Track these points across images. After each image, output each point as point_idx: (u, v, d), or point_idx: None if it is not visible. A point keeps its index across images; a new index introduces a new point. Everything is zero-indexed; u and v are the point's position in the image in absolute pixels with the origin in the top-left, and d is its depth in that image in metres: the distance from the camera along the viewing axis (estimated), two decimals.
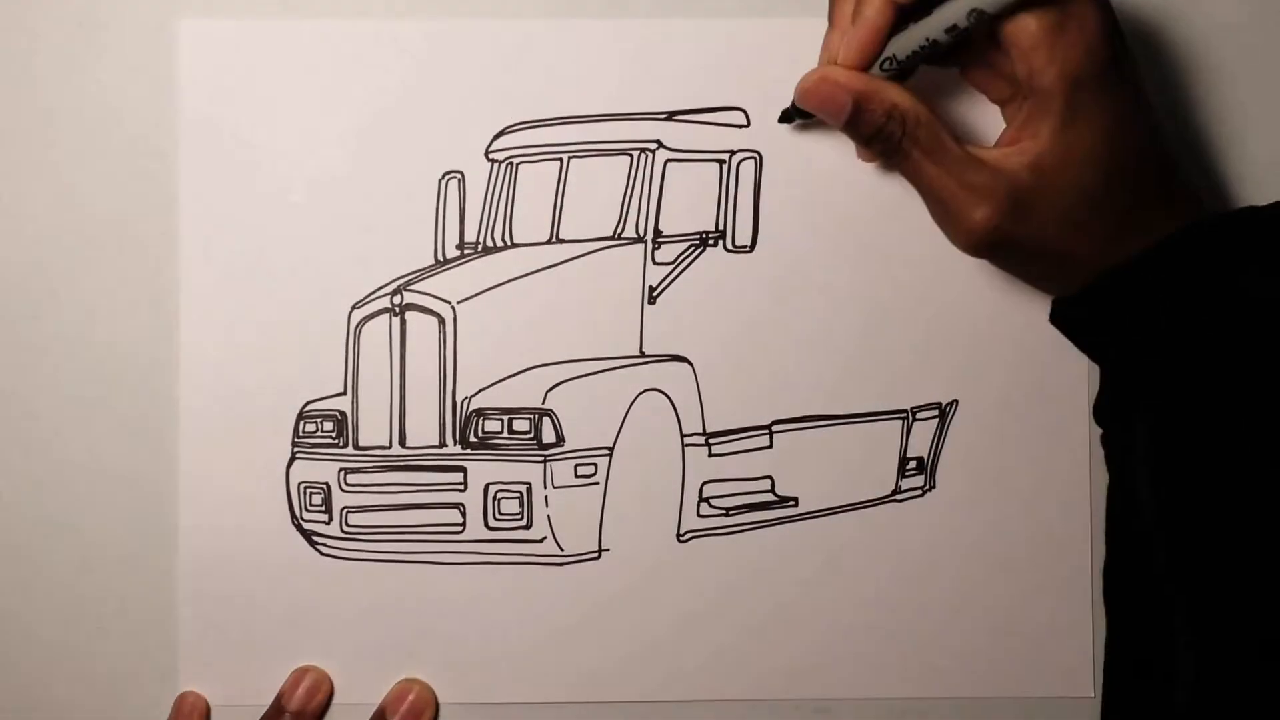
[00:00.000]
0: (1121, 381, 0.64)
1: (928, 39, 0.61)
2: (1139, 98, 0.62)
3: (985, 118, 0.68)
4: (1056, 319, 0.65)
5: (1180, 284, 0.61)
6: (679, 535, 0.71)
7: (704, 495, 0.70)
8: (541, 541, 0.70)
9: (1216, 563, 0.60)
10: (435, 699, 0.70)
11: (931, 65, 0.64)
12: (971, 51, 0.64)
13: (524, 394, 0.70)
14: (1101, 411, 0.66)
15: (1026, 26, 0.60)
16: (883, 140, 0.63)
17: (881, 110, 0.62)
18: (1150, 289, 0.61)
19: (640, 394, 0.70)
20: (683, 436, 0.70)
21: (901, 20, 0.62)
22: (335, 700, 0.70)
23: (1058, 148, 0.61)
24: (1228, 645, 0.60)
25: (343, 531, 0.70)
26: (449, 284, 0.70)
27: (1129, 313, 0.62)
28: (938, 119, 0.62)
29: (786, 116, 0.68)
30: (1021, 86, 0.62)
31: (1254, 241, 0.61)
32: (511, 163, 0.70)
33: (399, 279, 0.70)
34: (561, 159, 0.70)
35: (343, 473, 0.70)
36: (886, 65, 0.62)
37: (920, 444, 0.71)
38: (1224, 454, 0.60)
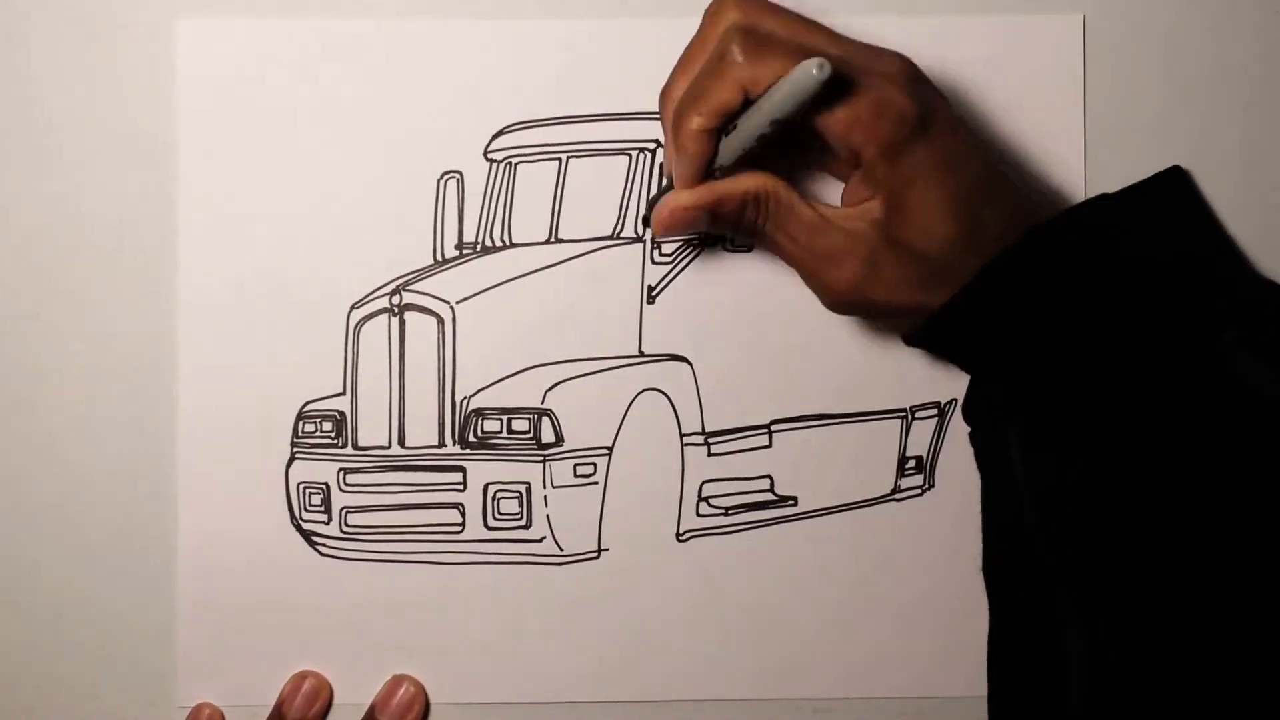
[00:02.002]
0: (988, 384, 0.65)
1: (743, 149, 0.62)
2: (967, 142, 0.64)
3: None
4: (913, 342, 0.66)
5: (1028, 288, 0.62)
6: (678, 535, 0.71)
7: (703, 495, 0.70)
8: (541, 541, 0.70)
9: (1098, 553, 0.61)
10: (425, 694, 0.70)
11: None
12: (803, 133, 0.64)
13: (523, 394, 0.70)
14: (970, 411, 0.67)
15: (835, 117, 0.61)
16: (744, 230, 0.65)
17: (735, 206, 0.64)
18: (999, 297, 0.62)
19: (639, 394, 0.70)
20: (682, 436, 0.70)
21: (720, 133, 0.63)
22: (335, 700, 0.70)
23: (896, 206, 0.62)
24: (1116, 633, 0.61)
25: (342, 531, 0.70)
26: (448, 284, 0.70)
27: (981, 324, 0.63)
28: (789, 186, 0.64)
29: (646, 224, 0.70)
30: (847, 164, 0.64)
31: (1093, 238, 0.63)
32: (510, 162, 0.70)
33: (398, 279, 0.70)
34: (560, 159, 0.70)
35: (342, 473, 0.70)
36: (719, 173, 0.64)
37: (919, 443, 0.71)
38: (1093, 449, 0.62)
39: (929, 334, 0.64)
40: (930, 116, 0.62)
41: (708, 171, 0.64)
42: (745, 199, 0.64)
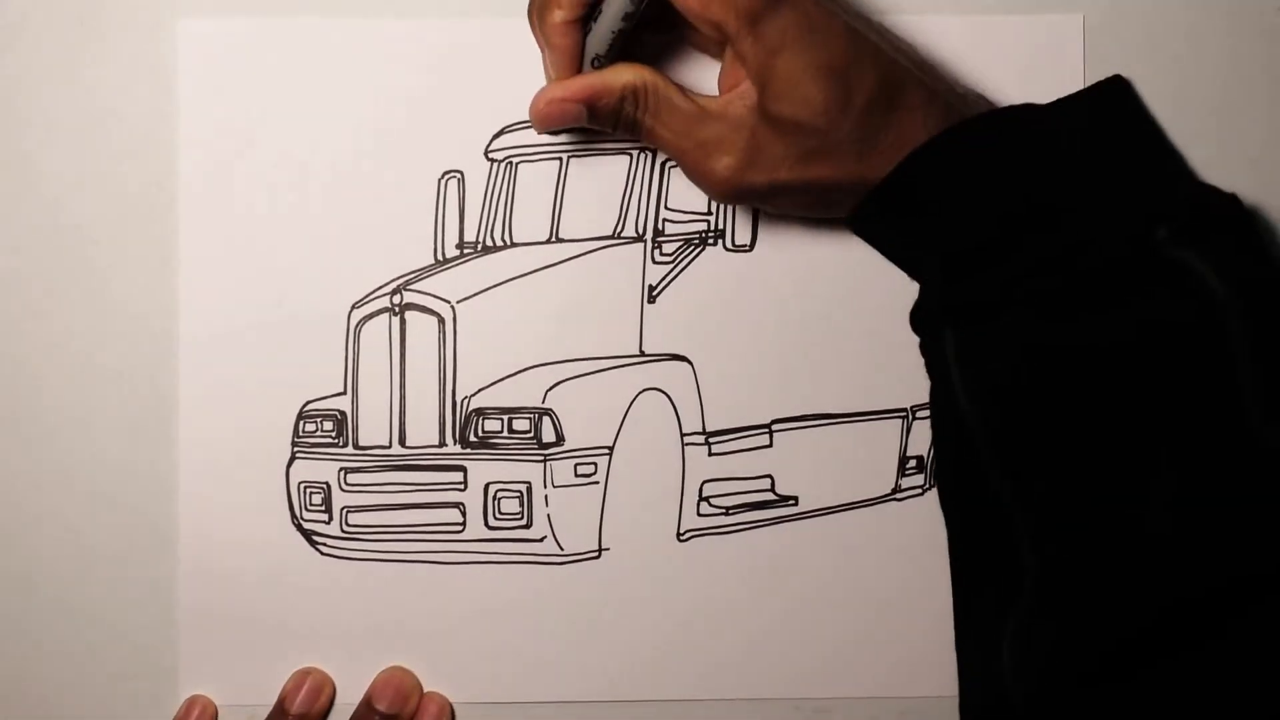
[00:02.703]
0: (930, 284, 0.65)
1: (613, 30, 0.63)
2: (832, 9, 0.63)
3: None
4: (856, 231, 0.66)
5: (962, 177, 0.62)
6: (679, 534, 0.71)
7: (704, 494, 0.70)
8: (541, 541, 0.70)
9: (1039, 454, 0.61)
10: (419, 684, 0.70)
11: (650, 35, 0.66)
12: (676, 16, 0.65)
13: (524, 393, 0.70)
14: (915, 319, 0.66)
15: None
16: (624, 125, 0.65)
17: (614, 99, 0.64)
18: (933, 186, 0.62)
19: (640, 393, 0.70)
20: (682, 436, 0.70)
21: (586, 25, 0.64)
22: (336, 699, 0.70)
23: (766, 78, 0.62)
24: (1063, 535, 0.61)
25: (343, 531, 0.70)
26: (449, 283, 0.70)
27: (916, 213, 0.63)
28: (667, 78, 0.65)
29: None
30: (714, 41, 0.64)
31: (1026, 135, 0.63)
32: (511, 162, 0.70)
33: (399, 278, 0.70)
34: (561, 158, 0.70)
35: (343, 472, 0.70)
36: (596, 64, 0.65)
37: (920, 443, 0.71)
38: (1027, 348, 0.61)
39: (857, 219, 0.65)
40: None
41: (580, 65, 0.64)
42: (624, 92, 0.64)
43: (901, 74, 0.63)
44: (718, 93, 0.66)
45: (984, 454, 0.63)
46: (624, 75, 0.64)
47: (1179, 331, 0.60)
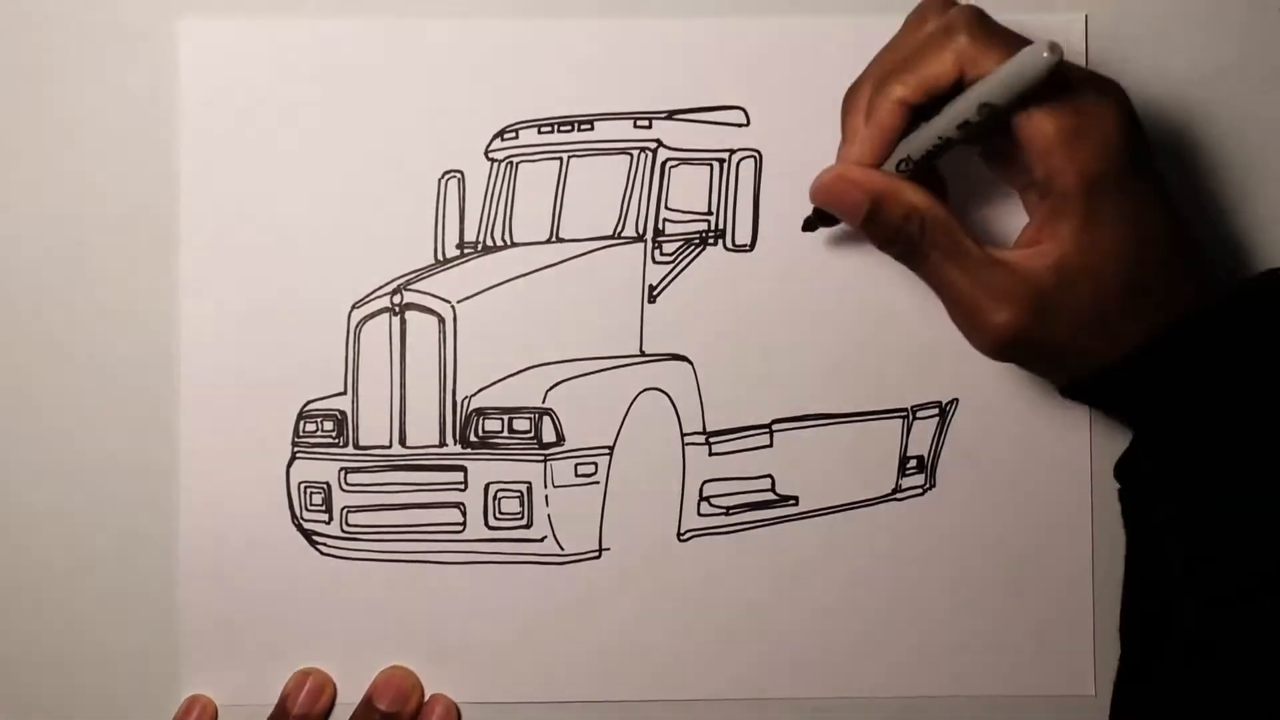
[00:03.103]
0: (1151, 448, 0.62)
1: (940, 137, 0.60)
2: (1160, 191, 0.61)
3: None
4: (1074, 393, 0.64)
5: (1212, 354, 0.60)
6: (679, 534, 0.71)
7: (704, 494, 0.70)
8: (542, 541, 0.70)
9: (1251, 634, 0.59)
10: (420, 684, 0.70)
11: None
12: (991, 140, 0.62)
13: (524, 393, 0.70)
14: (1124, 471, 0.64)
15: (1042, 127, 0.58)
16: (901, 242, 0.62)
17: (900, 211, 0.61)
18: (1181, 360, 0.60)
19: (640, 393, 0.70)
20: (683, 435, 0.70)
21: (914, 121, 0.61)
22: (337, 699, 0.70)
23: (1079, 250, 0.59)
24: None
25: (343, 531, 0.70)
26: (449, 283, 0.70)
27: (1154, 384, 0.60)
28: (956, 220, 0.61)
29: (809, 225, 0.67)
30: (1038, 185, 0.60)
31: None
32: (511, 162, 0.70)
33: (399, 278, 0.70)
34: (561, 158, 0.70)
35: (343, 472, 0.70)
36: (902, 167, 0.61)
37: (920, 443, 0.71)
38: (1251, 534, 0.59)
39: (1099, 384, 0.61)
40: (1137, 159, 0.59)
41: (889, 154, 0.61)
42: (911, 210, 0.61)
43: (1204, 273, 0.61)
44: (1012, 240, 0.63)
45: (1187, 623, 0.61)
46: (917, 195, 0.61)
47: None
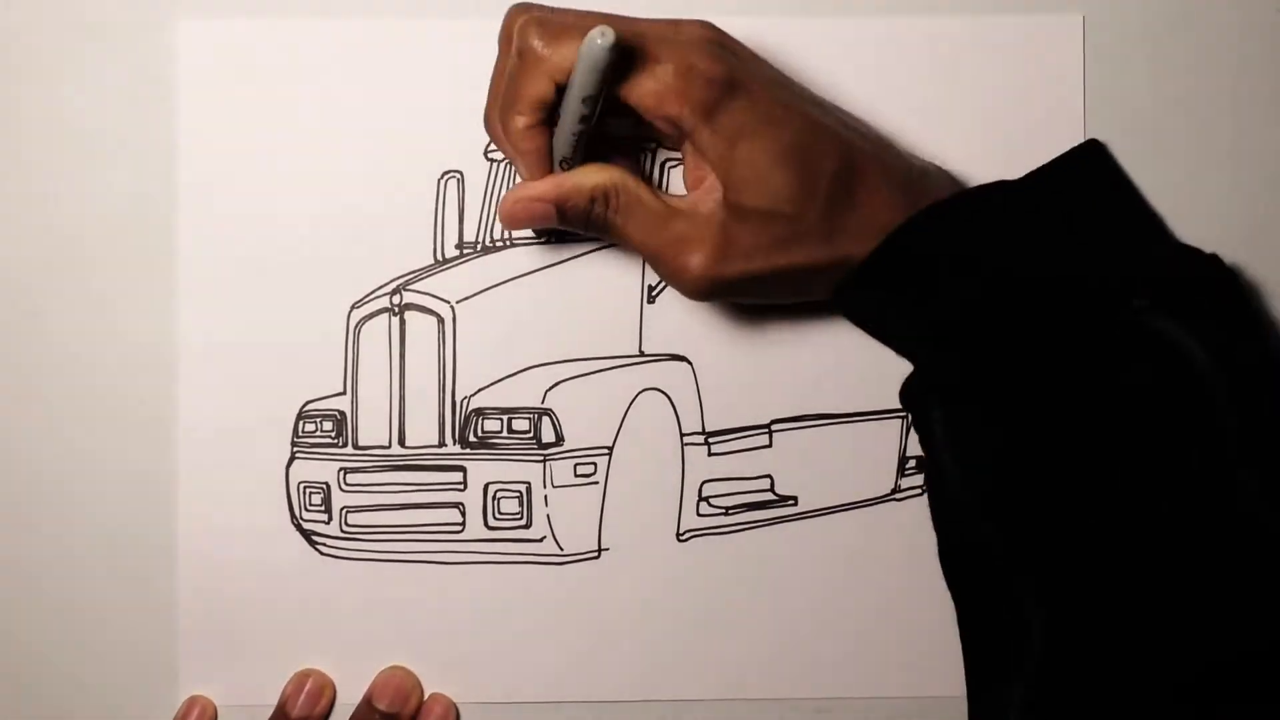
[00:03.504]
0: (917, 364, 0.66)
1: (573, 133, 0.63)
2: (782, 90, 0.64)
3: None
4: (842, 312, 0.67)
5: (938, 260, 0.63)
6: (678, 534, 0.71)
7: (703, 494, 0.70)
8: (541, 541, 0.70)
9: (1034, 528, 0.61)
10: (419, 683, 0.70)
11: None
12: (626, 111, 0.65)
13: (523, 393, 0.70)
14: (906, 394, 0.67)
15: (642, 87, 0.62)
16: (594, 225, 0.65)
17: (583, 200, 0.64)
18: (909, 269, 0.63)
19: (640, 393, 0.70)
20: (682, 436, 0.70)
21: (550, 125, 0.64)
22: (337, 699, 0.70)
23: (730, 173, 0.63)
24: (1069, 605, 0.61)
25: (342, 531, 0.70)
26: (448, 283, 0.70)
27: (897, 295, 0.64)
28: (638, 178, 0.65)
29: (540, 235, 0.70)
30: (673, 136, 0.64)
31: (1006, 212, 0.63)
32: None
33: (398, 278, 0.70)
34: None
35: (342, 472, 0.70)
36: (565, 165, 0.65)
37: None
38: (1013, 424, 0.62)
39: (840, 300, 0.65)
40: (739, 76, 0.62)
41: (551, 167, 0.65)
42: (594, 193, 0.64)
43: (860, 154, 0.64)
44: (685, 190, 0.66)
45: (981, 526, 0.63)
46: (594, 176, 0.65)
47: (1165, 404, 0.61)
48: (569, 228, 0.66)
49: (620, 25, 0.62)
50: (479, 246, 0.70)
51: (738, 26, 0.69)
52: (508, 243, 0.70)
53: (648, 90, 0.62)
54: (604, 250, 0.70)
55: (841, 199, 0.63)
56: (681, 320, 0.70)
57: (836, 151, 0.63)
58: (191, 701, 0.69)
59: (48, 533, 0.70)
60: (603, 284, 0.70)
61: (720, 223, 0.63)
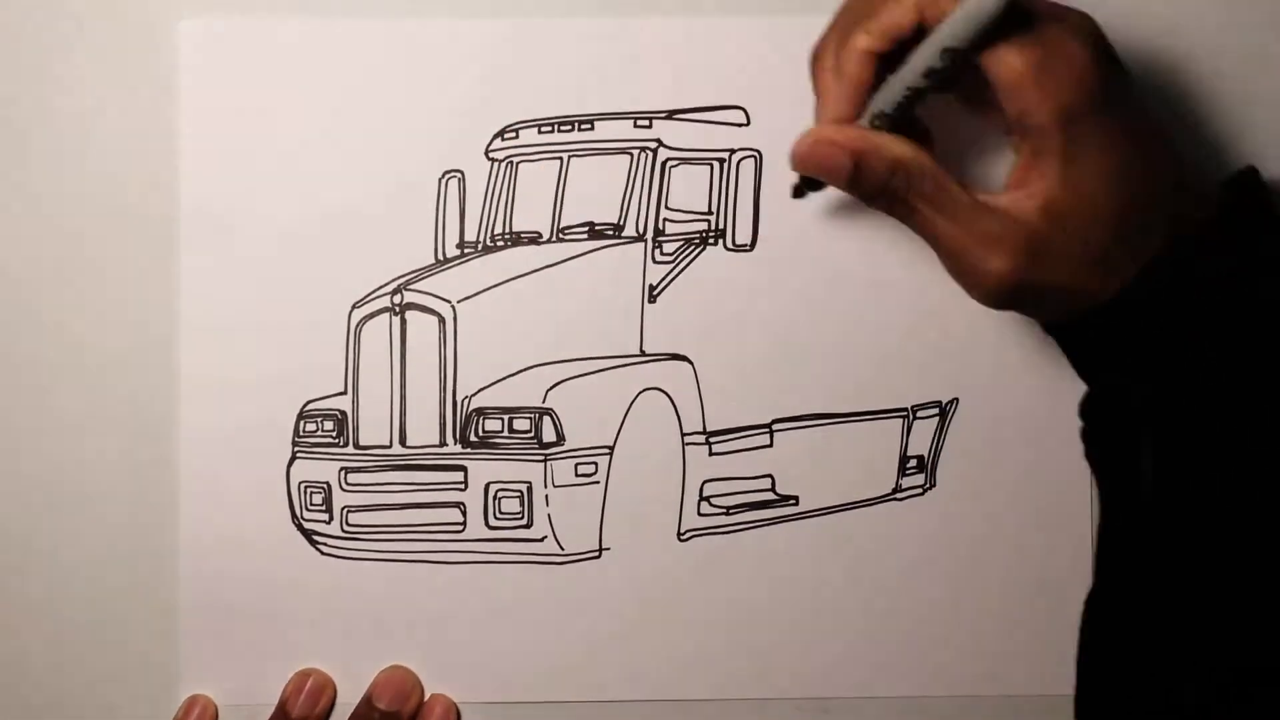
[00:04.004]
0: (1127, 383, 0.61)
1: (909, 88, 0.59)
2: (1143, 118, 0.60)
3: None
4: (1057, 330, 0.63)
5: (1182, 298, 0.59)
6: (679, 534, 0.71)
7: (704, 494, 0.70)
8: (542, 540, 0.70)
9: (1231, 573, 0.58)
10: (419, 683, 0.70)
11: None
12: (966, 84, 0.61)
13: (524, 393, 0.70)
14: (1092, 410, 0.63)
15: (1010, 63, 0.57)
16: (887, 197, 0.60)
17: (883, 166, 0.59)
18: (1163, 297, 0.59)
19: (641, 393, 0.70)
20: (683, 435, 0.70)
21: (883, 73, 0.60)
22: (337, 699, 0.70)
23: (1065, 185, 0.58)
24: (1235, 667, 0.58)
25: (343, 531, 0.70)
26: (449, 283, 0.70)
27: (1138, 322, 0.60)
28: (941, 168, 0.60)
29: (798, 192, 0.65)
30: (1016, 124, 0.59)
31: (1256, 243, 0.60)
32: (512, 162, 0.70)
33: (399, 278, 0.70)
34: (561, 158, 0.70)
35: (343, 472, 0.70)
36: (876, 123, 0.60)
37: (921, 442, 0.71)
38: (1240, 468, 0.58)
39: (1088, 326, 0.60)
40: (1114, 83, 0.58)
41: (863, 105, 0.60)
42: (896, 163, 0.59)
43: (1192, 203, 0.60)
44: (1002, 183, 0.61)
45: (1165, 565, 0.59)
46: (899, 147, 0.59)
47: None
48: (855, 192, 0.61)
49: None
50: (480, 246, 0.70)
51: (741, 25, 0.70)
52: (509, 243, 0.70)
53: (1012, 67, 0.57)
54: (604, 250, 0.70)
55: (1161, 230, 0.59)
56: (682, 320, 0.70)
57: (1178, 198, 0.59)
58: (192, 701, 0.69)
59: (49, 532, 0.70)
60: (603, 284, 0.70)
61: (1036, 229, 0.58)
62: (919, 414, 0.71)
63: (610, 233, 0.70)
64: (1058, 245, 0.58)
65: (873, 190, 0.60)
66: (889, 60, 0.60)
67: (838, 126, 0.60)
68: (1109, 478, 0.62)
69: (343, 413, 0.70)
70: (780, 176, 0.70)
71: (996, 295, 0.60)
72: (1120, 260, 0.59)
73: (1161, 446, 0.59)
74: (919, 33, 0.58)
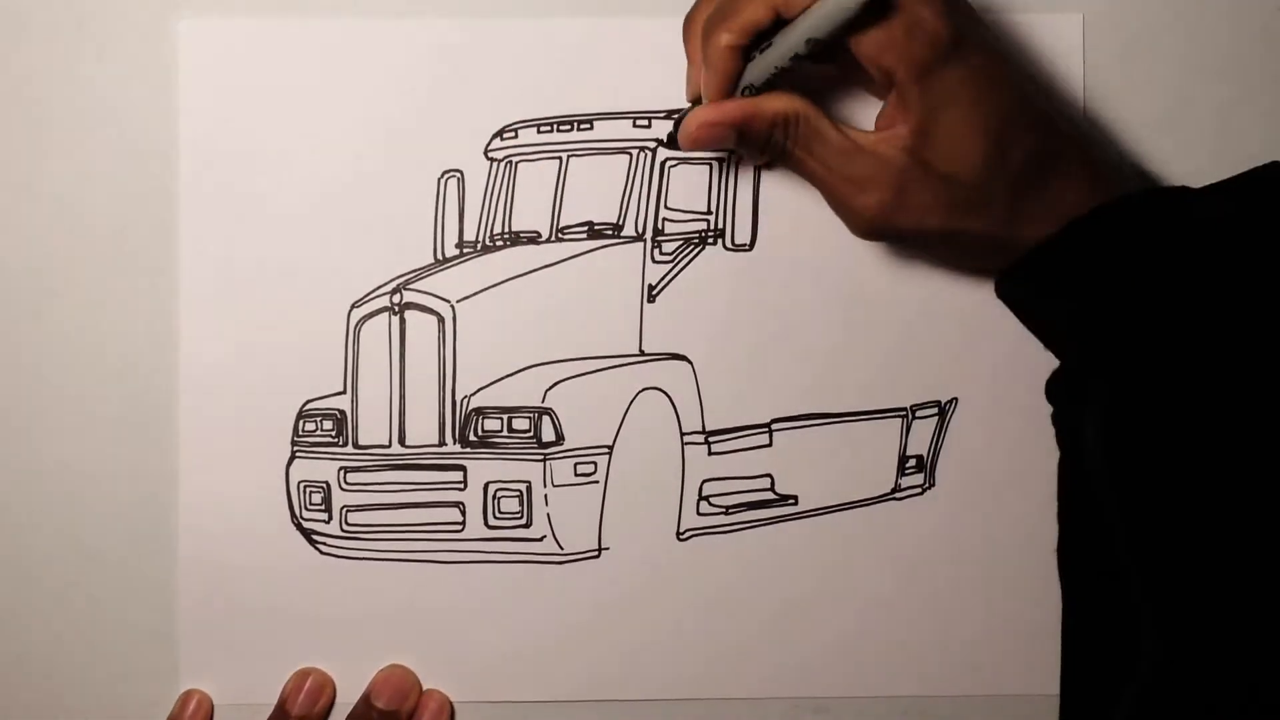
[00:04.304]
0: (1074, 357, 0.64)
1: (776, 67, 0.63)
2: (997, 60, 0.63)
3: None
4: (1002, 295, 0.66)
5: (1121, 254, 0.61)
6: (679, 534, 0.71)
7: (704, 494, 0.70)
8: (541, 540, 0.70)
9: (1179, 539, 0.60)
10: (418, 682, 0.70)
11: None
12: (836, 52, 0.64)
13: (523, 392, 0.70)
14: (1053, 389, 0.66)
15: (867, 36, 0.61)
16: (771, 151, 0.65)
17: (764, 125, 0.64)
18: (1089, 259, 0.62)
19: (640, 392, 0.70)
20: (682, 435, 0.70)
21: (748, 52, 0.63)
22: (337, 699, 0.70)
23: (926, 127, 0.62)
24: (1192, 623, 0.59)
25: (343, 530, 0.70)
26: (448, 283, 0.70)
27: (1071, 284, 0.62)
28: (818, 110, 0.64)
29: (671, 143, 0.69)
30: (878, 82, 0.63)
31: (1190, 217, 0.62)
32: (511, 161, 0.70)
33: (398, 278, 0.70)
34: (561, 158, 0.70)
35: (342, 471, 0.70)
36: (747, 93, 0.64)
37: (920, 442, 0.71)
38: (1184, 426, 0.60)
39: (1008, 279, 0.64)
40: (963, 39, 0.62)
41: (734, 89, 0.64)
42: (775, 119, 0.64)
43: (1062, 141, 0.63)
44: (870, 127, 0.65)
45: (1117, 532, 0.62)
46: (776, 103, 0.64)
47: None
48: (745, 151, 0.66)
49: None
50: (479, 246, 0.70)
51: None
52: (508, 242, 0.70)
53: (871, 39, 0.61)
54: (604, 250, 0.70)
55: (1033, 179, 0.62)
56: (681, 320, 0.70)
57: (1037, 133, 0.63)
58: (188, 696, 0.70)
59: (49, 530, 0.70)
60: (603, 284, 0.70)
61: (902, 171, 0.63)
62: (918, 414, 0.71)
63: (609, 232, 0.70)
64: (926, 184, 0.63)
65: (758, 147, 0.65)
66: (750, 49, 0.63)
67: (716, 105, 0.64)
68: (1064, 449, 0.65)
69: (342, 412, 0.70)
70: (779, 176, 0.70)
71: (869, 228, 0.64)
72: (999, 208, 0.62)
73: (1106, 425, 0.62)
74: (777, 21, 0.62)
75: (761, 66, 0.63)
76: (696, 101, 0.66)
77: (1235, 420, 0.60)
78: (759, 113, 0.63)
